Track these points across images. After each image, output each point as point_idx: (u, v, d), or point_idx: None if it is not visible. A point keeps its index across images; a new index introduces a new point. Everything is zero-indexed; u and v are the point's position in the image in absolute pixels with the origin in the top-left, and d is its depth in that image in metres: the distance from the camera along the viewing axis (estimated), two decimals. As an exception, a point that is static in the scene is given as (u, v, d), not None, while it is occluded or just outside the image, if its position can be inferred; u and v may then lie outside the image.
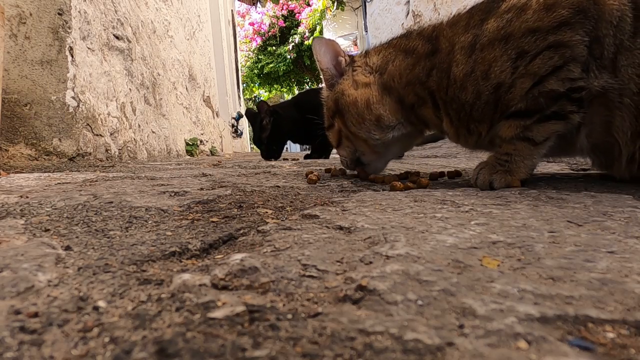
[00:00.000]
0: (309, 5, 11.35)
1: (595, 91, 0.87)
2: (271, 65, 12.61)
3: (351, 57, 1.21)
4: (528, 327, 0.31)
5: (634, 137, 0.88)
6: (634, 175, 0.94)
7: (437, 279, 0.40)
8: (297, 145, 14.38)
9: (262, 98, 15.89)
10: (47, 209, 0.74)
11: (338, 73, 1.19)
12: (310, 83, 13.68)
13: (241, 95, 9.87)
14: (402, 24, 5.62)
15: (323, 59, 1.19)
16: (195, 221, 0.69)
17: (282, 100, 3.64)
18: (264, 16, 12.54)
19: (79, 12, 1.98)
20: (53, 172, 1.44)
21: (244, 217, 0.72)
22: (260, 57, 12.98)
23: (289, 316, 0.34)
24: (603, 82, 0.86)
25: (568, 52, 0.86)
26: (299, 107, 2.84)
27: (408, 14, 5.47)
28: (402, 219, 0.65)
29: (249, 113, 2.93)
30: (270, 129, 2.75)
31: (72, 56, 1.90)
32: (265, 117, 2.76)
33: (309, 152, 3.08)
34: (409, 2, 5.47)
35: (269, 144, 2.77)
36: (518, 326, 0.31)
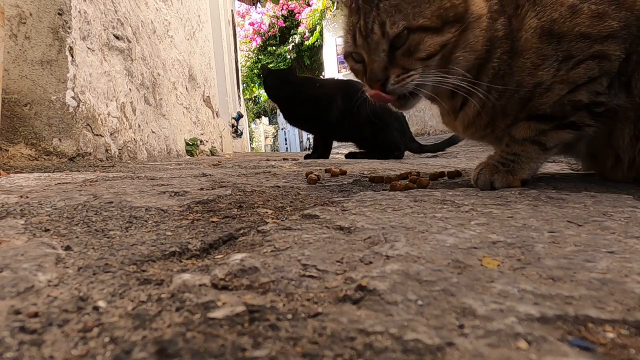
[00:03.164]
0: (309, 5, 11.35)
1: (612, 108, 0.88)
2: (271, 65, 12.62)
3: None
4: (528, 327, 0.31)
5: (632, 142, 0.89)
6: (636, 179, 0.95)
7: (437, 279, 0.40)
8: (298, 146, 14.37)
9: (261, 98, 15.89)
10: (47, 209, 0.74)
11: None
12: (310, 83, 13.66)
13: (241, 95, 9.87)
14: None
15: None
16: (195, 221, 0.69)
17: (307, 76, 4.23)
18: (264, 16, 12.55)
19: (79, 12, 1.98)
20: (53, 172, 1.44)
21: (244, 217, 0.72)
22: (260, 57, 12.99)
23: (289, 316, 0.34)
24: (621, 101, 0.87)
25: (606, 65, 0.85)
26: (289, 83, 3.08)
27: (408, 14, 5.45)
28: (402, 219, 0.65)
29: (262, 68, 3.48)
30: (264, 81, 3.28)
31: (72, 56, 1.90)
32: (262, 74, 3.42)
33: (309, 152, 3.10)
34: (409, 2, 5.45)
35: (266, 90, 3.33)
36: (518, 326, 0.31)
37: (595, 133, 0.93)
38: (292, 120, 3.19)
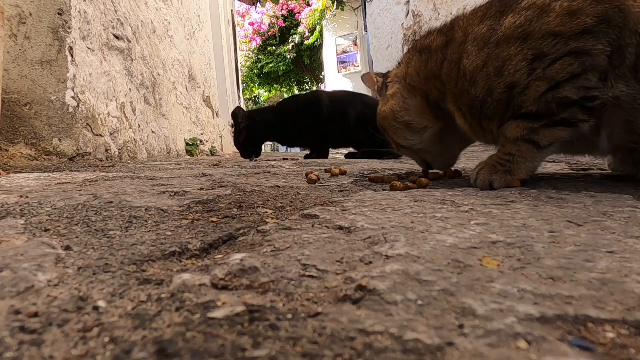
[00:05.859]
0: (309, 5, 11.34)
1: (608, 101, 0.86)
2: (271, 65, 12.61)
3: (384, 75, 1.24)
4: (528, 327, 0.31)
5: None
6: None
7: (437, 279, 0.40)
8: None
9: (262, 98, 15.87)
10: (47, 209, 0.74)
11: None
12: (310, 83, 13.67)
13: (241, 95, 9.86)
14: (402, 24, 5.62)
15: (370, 88, 1.29)
16: (195, 221, 0.69)
17: (263, 106, 4.00)
18: (264, 16, 12.53)
19: (79, 12, 1.98)
20: (53, 172, 1.44)
21: (244, 217, 0.72)
22: (260, 57, 12.97)
23: (289, 316, 0.34)
24: (618, 92, 0.85)
25: (589, 61, 0.84)
26: (278, 114, 3.02)
27: (408, 14, 5.47)
28: (402, 219, 0.65)
29: (234, 114, 3.03)
30: (245, 133, 2.97)
31: (72, 56, 1.90)
32: (242, 122, 2.96)
33: (309, 152, 3.09)
34: (409, 2, 5.47)
35: (245, 145, 3.01)
36: (518, 326, 0.31)
37: (611, 124, 0.91)
38: (287, 140, 3.18)
